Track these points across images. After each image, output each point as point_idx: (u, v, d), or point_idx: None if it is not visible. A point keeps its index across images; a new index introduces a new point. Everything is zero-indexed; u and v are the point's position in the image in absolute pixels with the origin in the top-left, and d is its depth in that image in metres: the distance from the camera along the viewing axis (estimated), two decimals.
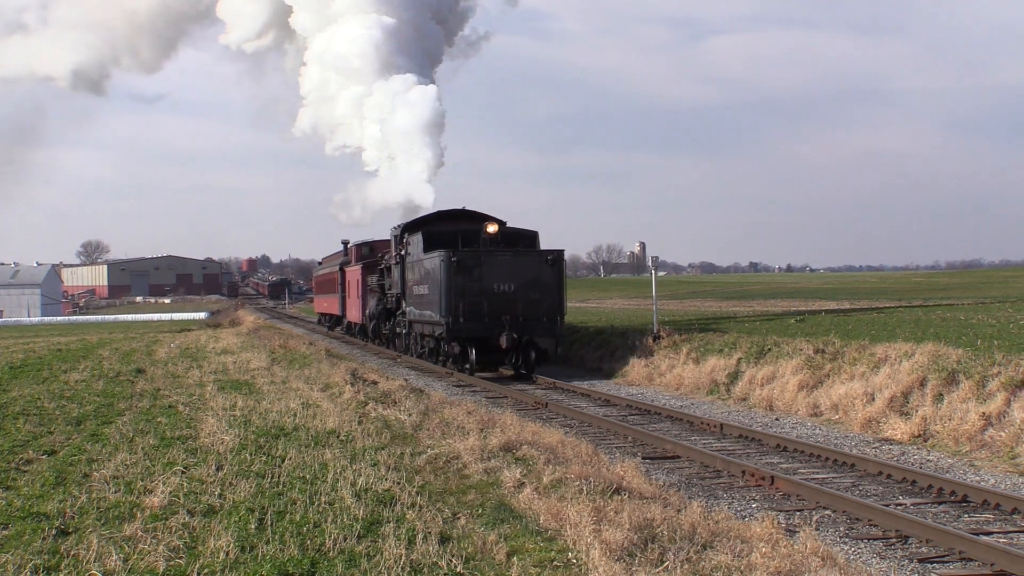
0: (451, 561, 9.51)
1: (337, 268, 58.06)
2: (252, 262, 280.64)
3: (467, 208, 36.29)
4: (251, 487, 12.72)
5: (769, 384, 23.81)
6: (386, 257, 41.19)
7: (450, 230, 33.53)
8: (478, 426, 17.54)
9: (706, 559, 9.55)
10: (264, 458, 14.84)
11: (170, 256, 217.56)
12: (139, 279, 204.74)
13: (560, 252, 31.52)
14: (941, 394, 18.70)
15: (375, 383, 25.60)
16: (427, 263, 32.38)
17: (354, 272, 50.40)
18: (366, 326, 47.00)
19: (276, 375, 28.17)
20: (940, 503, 13.40)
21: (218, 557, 9.70)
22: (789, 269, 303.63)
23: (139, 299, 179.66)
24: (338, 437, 16.74)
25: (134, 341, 48.47)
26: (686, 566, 9.35)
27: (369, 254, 48.34)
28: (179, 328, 65.70)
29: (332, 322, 64.76)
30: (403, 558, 9.55)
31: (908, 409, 18.95)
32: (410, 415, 19.27)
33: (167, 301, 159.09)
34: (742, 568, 9.33)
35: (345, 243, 57.86)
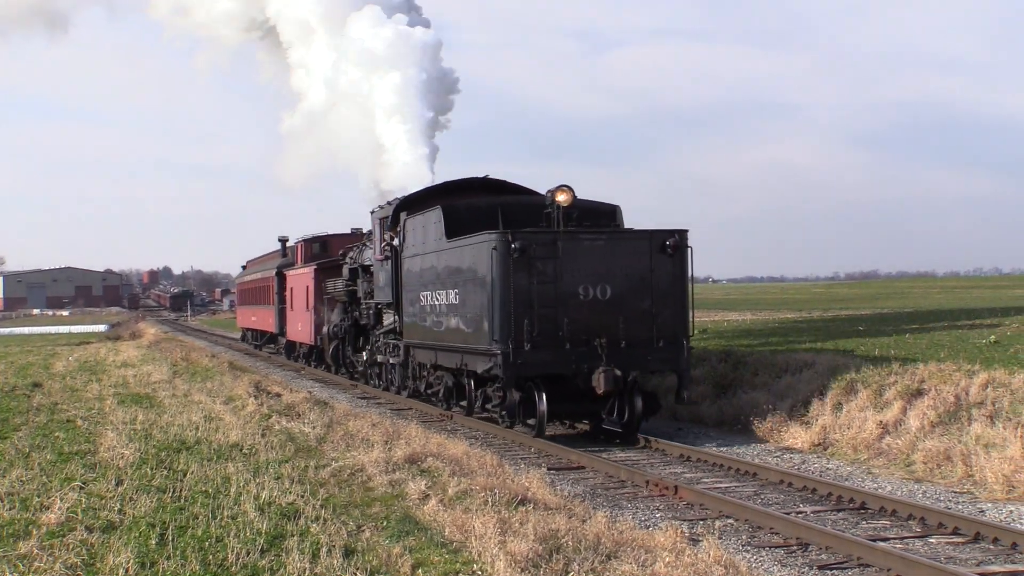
0: (356, 574, 9.45)
1: (272, 273, 46.37)
2: (154, 274, 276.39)
3: (490, 177, 25.28)
4: (152, 502, 12.53)
5: None
6: (353, 255, 31.29)
7: (484, 204, 22.33)
8: (383, 438, 17.47)
9: (611, 569, 9.61)
10: (165, 472, 14.64)
11: (69, 268, 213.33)
12: (36, 291, 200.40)
13: (683, 234, 19.61)
14: (840, 403, 19.01)
15: (279, 395, 25.37)
16: (454, 255, 20.96)
17: (301, 276, 39.60)
18: (323, 349, 36.26)
19: (178, 388, 27.77)
20: (839, 510, 13.62)
21: (117, 574, 9.53)
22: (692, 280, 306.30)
23: (36, 312, 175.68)
24: (241, 450, 16.57)
25: (31, 355, 47.42)
26: None
27: (321, 253, 38.89)
28: (78, 341, 64.41)
29: (264, 340, 53.17)
30: (307, 572, 9.47)
31: (808, 418, 19.23)
32: (314, 427, 19.13)
33: (66, 314, 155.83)
34: None
35: (283, 240, 47.44)
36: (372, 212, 27.65)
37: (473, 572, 9.58)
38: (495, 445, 19.36)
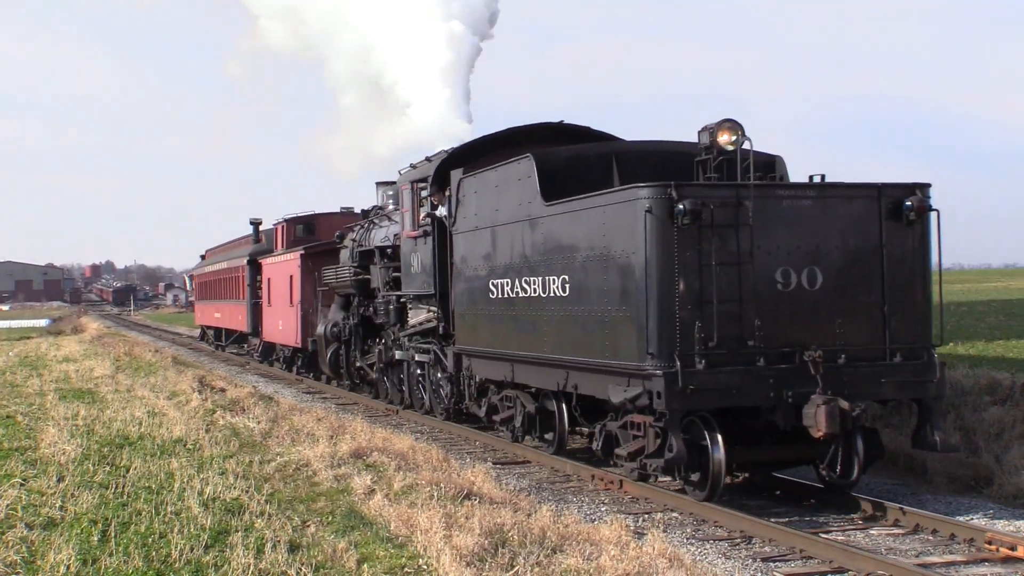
0: (300, 569, 9.42)
1: (242, 261, 40.20)
2: (96, 268, 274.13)
3: (566, 123, 19.39)
4: (94, 498, 12.42)
5: None
6: (356, 237, 26.21)
7: (592, 153, 16.35)
8: (328, 433, 17.42)
9: (556, 563, 9.64)
10: (108, 468, 14.51)
11: (8, 262, 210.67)
12: None
13: (925, 190, 13.46)
14: None
15: (223, 390, 25.20)
16: (561, 225, 14.73)
17: (282, 265, 33.47)
18: (315, 353, 29.73)
19: (121, 383, 27.52)
20: (783, 503, 13.74)
21: (58, 571, 9.44)
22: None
23: None
24: (185, 446, 16.46)
25: None
26: (536, 570, 9.42)
27: (306, 236, 33.44)
28: (18, 336, 63.67)
29: (230, 340, 46.26)
30: (252, 568, 9.42)
31: None
32: (259, 422, 19.04)
33: (5, 308, 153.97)
34: (591, 571, 9.45)
35: (256, 223, 41.20)
36: (400, 173, 21.73)
37: (419, 567, 9.58)
38: (441, 440, 19.35)
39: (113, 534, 10.65)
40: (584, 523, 11.81)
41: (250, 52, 39.89)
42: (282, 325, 33.74)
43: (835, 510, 13.13)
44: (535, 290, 15.50)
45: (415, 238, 20.41)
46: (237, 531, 10.75)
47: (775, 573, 10.54)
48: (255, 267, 38.72)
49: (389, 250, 22.97)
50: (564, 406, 15.82)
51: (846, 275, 13.13)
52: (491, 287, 16.89)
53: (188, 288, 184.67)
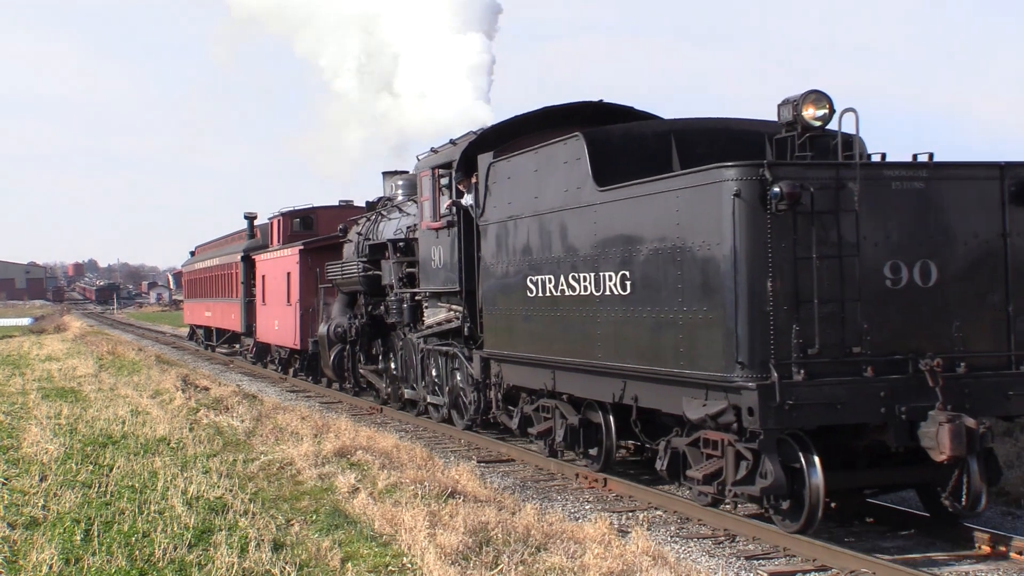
0: (284, 568, 9.40)
1: (236, 257, 38.36)
2: (79, 267, 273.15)
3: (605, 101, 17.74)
4: (77, 497, 12.38)
5: None
6: (362, 230, 24.48)
7: (648, 132, 14.53)
8: (312, 431, 17.40)
9: (540, 561, 9.65)
10: (91, 467, 14.47)
11: None
12: None
13: None
14: None
15: (207, 389, 25.15)
16: (622, 213, 12.95)
17: (279, 261, 31.85)
18: (316, 355, 27.72)
19: (104, 382, 27.44)
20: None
21: (41, 571, 9.41)
22: None
23: None
24: (168, 445, 16.42)
25: None
26: (520, 568, 9.42)
27: (303, 230, 31.85)
28: (1, 335, 63.41)
29: (222, 339, 43.77)
30: (235, 567, 9.41)
31: None
32: (243, 421, 19.01)
33: None
34: (575, 569, 9.45)
35: (251, 218, 39.25)
36: (418, 160, 20.00)
37: (403, 565, 9.58)
38: (424, 438, 19.35)
39: (96, 533, 10.61)
40: (568, 521, 11.82)
41: (234, 29, 38.39)
42: (278, 325, 31.76)
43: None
44: (586, 288, 13.58)
45: (436, 230, 18.48)
46: (221, 530, 10.73)
47: (759, 571, 10.56)
48: (250, 264, 36.70)
49: (402, 244, 21.19)
50: (612, 418, 14.16)
51: (964, 269, 11.37)
52: (529, 284, 14.91)
53: (172, 287, 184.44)
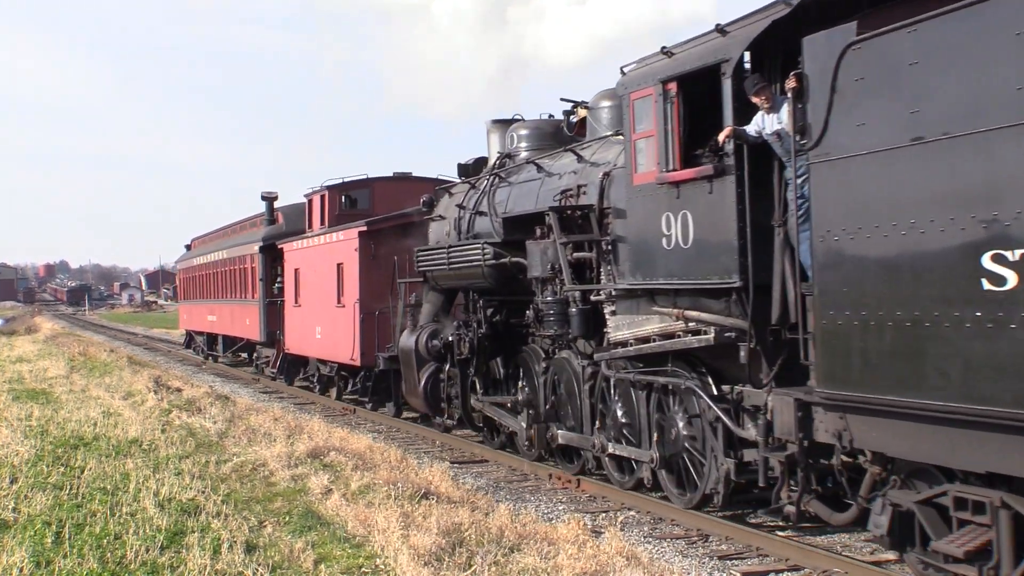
0: (257, 570, 9.38)
1: (253, 249, 31.33)
2: (50, 267, 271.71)
3: None
4: (48, 500, 12.31)
5: None
6: (461, 202, 18.21)
7: None
8: (285, 432, 17.38)
9: (514, 562, 9.66)
10: (62, 469, 14.39)
11: None
12: None
13: None
14: None
15: (179, 390, 25.03)
16: None
17: (323, 250, 25.07)
18: (405, 375, 19.44)
19: (75, 383, 27.29)
20: (739, 501, 13.79)
21: (11, 574, 9.35)
22: None
23: None
24: (140, 446, 16.36)
25: None
26: (494, 569, 9.43)
27: (352, 208, 25.62)
28: None
29: (232, 349, 36.56)
30: (208, 568, 9.38)
31: None
32: (215, 422, 18.95)
33: None
34: (549, 570, 9.47)
35: (270, 198, 31.88)
36: (623, 73, 13.00)
37: (376, 566, 9.57)
38: (398, 439, 19.32)
39: (67, 536, 10.56)
40: (542, 522, 11.84)
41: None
42: (322, 332, 24.97)
43: None
44: None
45: (676, 184, 11.64)
46: (193, 532, 10.70)
47: (732, 571, 10.59)
48: (271, 255, 30.00)
49: (576, 216, 14.11)
50: None
51: None
52: (988, 267, 7.90)
53: (144, 287, 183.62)
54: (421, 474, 14.03)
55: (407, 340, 18.98)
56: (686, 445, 12.28)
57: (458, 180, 19.52)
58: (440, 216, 19.20)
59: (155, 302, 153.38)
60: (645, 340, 12.62)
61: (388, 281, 21.14)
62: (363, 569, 9.55)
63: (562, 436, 14.87)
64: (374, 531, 10.61)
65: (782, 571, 10.54)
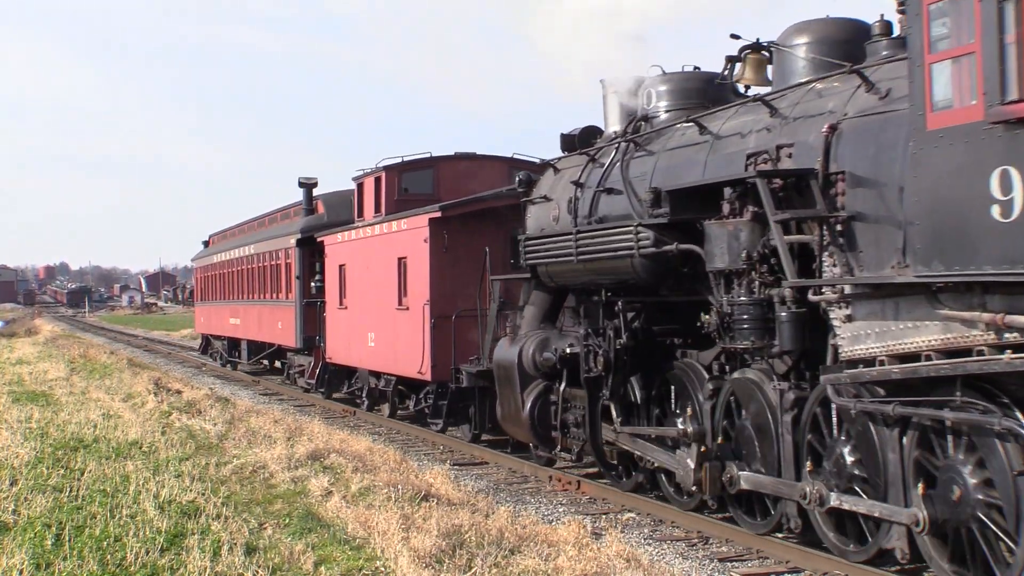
0: (257, 572, 9.37)
1: (288, 243, 27.98)
2: (50, 269, 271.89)
3: None
4: (48, 502, 12.28)
5: None
6: (578, 178, 14.63)
7: None
8: (285, 434, 17.37)
9: (514, 563, 9.65)
10: (62, 471, 14.36)
11: None
12: None
13: None
14: None
15: (179, 392, 25.04)
16: None
17: (384, 241, 21.22)
18: (501, 395, 15.57)
19: (75, 385, 27.28)
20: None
21: None
22: None
23: None
24: (140, 448, 16.34)
25: None
26: (494, 571, 9.43)
27: (412, 193, 21.66)
28: None
29: (257, 355, 32.94)
30: (208, 571, 9.36)
31: None
32: (215, 424, 18.95)
33: None
34: (549, 571, 9.46)
35: (309, 185, 28.11)
36: None
37: (376, 568, 9.55)
38: (398, 441, 19.31)
39: (67, 538, 10.54)
40: (542, 524, 11.83)
41: None
42: (376, 339, 21.54)
43: None
44: None
45: None
46: (193, 534, 10.68)
47: (732, 573, 10.59)
48: (310, 249, 26.88)
49: (778, 187, 10.66)
50: None
51: None
52: None
53: (144, 289, 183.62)
54: (421, 476, 14.03)
55: (507, 352, 15.20)
56: (977, 512, 8.63)
57: (561, 155, 15.87)
58: (544, 197, 15.62)
59: (155, 304, 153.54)
60: (908, 357, 9.13)
61: (465, 278, 17.81)
62: (363, 571, 9.53)
63: (745, 479, 11.30)
64: (374, 533, 10.60)
65: (782, 573, 10.54)
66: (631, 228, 12.46)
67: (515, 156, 21.24)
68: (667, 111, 13.86)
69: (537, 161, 17.85)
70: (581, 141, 15.51)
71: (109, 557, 9.90)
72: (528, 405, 14.76)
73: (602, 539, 10.85)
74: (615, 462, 13.88)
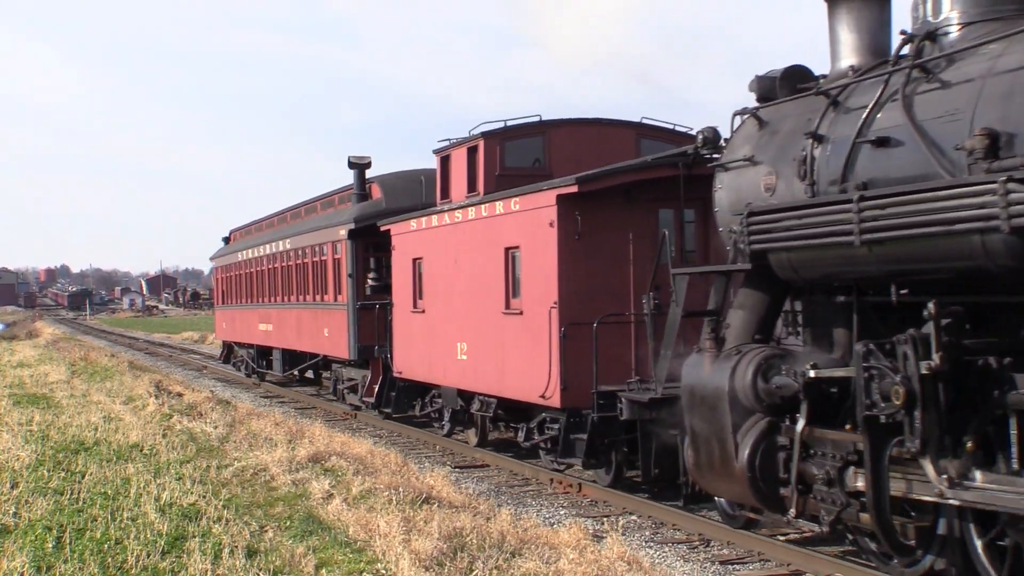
0: (258, 575, 9.36)
1: (339, 235, 23.46)
2: (51, 272, 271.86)
3: None
4: (49, 505, 12.29)
5: None
6: (816, 129, 9.92)
7: None
8: (286, 437, 17.36)
9: (515, 566, 9.64)
10: (63, 474, 14.36)
11: None
12: None
13: None
14: None
15: (180, 395, 25.02)
16: None
17: (480, 230, 16.83)
18: (691, 435, 10.80)
19: (76, 388, 27.27)
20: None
21: None
22: None
23: None
24: (141, 451, 16.34)
25: None
26: (495, 574, 9.42)
27: (515, 166, 17.16)
28: None
29: (301, 366, 28.32)
30: (209, 573, 9.36)
31: None
32: (216, 427, 18.94)
33: None
34: (550, 574, 9.45)
35: (362, 165, 23.60)
36: None
37: (377, 571, 9.55)
38: (399, 444, 19.29)
39: (68, 541, 10.54)
40: (543, 526, 11.82)
41: None
42: (470, 351, 17.25)
43: None
44: None
45: None
46: (194, 537, 10.67)
47: None
48: (365, 240, 22.83)
49: None
50: None
51: None
52: None
53: (145, 292, 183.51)
54: (422, 479, 14.02)
55: (708, 374, 10.67)
56: None
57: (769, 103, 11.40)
58: (747, 160, 11.14)
59: (156, 307, 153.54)
60: None
61: (606, 274, 14.50)
62: (364, 574, 9.53)
63: None
64: (375, 536, 10.59)
65: None
66: (990, 186, 7.72)
67: (644, 120, 17.33)
68: (963, 22, 9.36)
69: (671, 128, 15.49)
70: (785, 84, 11.38)
71: (110, 560, 9.90)
72: (747, 452, 10.14)
73: (603, 542, 10.83)
74: (911, 541, 9.10)
